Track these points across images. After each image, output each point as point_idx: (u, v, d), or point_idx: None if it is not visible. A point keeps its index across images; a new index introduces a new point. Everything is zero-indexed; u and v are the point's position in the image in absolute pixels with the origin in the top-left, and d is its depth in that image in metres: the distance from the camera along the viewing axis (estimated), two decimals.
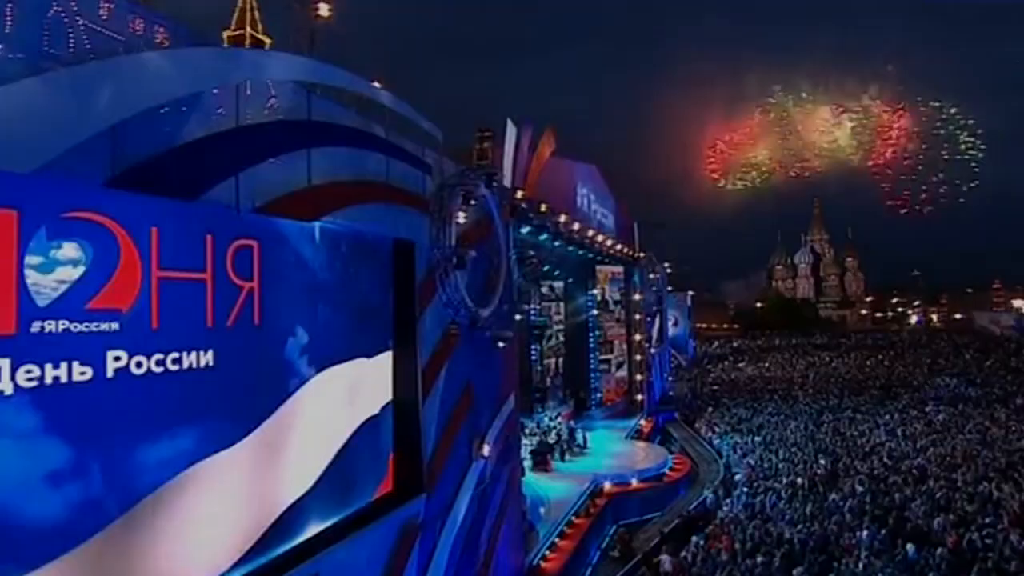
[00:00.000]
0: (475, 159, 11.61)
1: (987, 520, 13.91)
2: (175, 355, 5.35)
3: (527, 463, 17.03)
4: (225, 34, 32.12)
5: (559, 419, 22.19)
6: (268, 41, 32.28)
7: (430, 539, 8.73)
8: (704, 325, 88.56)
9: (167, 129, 4.93)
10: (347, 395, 7.72)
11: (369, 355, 8.20)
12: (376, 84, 9.44)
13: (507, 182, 12.64)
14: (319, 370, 7.23)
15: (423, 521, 8.51)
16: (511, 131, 12.77)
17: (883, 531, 13.48)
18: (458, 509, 9.54)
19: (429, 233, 9.10)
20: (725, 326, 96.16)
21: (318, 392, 7.15)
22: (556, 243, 17.59)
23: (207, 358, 5.67)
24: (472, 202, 9.47)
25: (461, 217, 9.51)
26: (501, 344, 10.34)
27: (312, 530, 6.76)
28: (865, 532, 13.45)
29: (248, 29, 31.87)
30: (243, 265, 6.06)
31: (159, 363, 5.20)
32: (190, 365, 5.49)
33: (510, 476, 11.89)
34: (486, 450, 10.11)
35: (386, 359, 8.50)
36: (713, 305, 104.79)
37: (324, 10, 11.09)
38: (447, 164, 9.80)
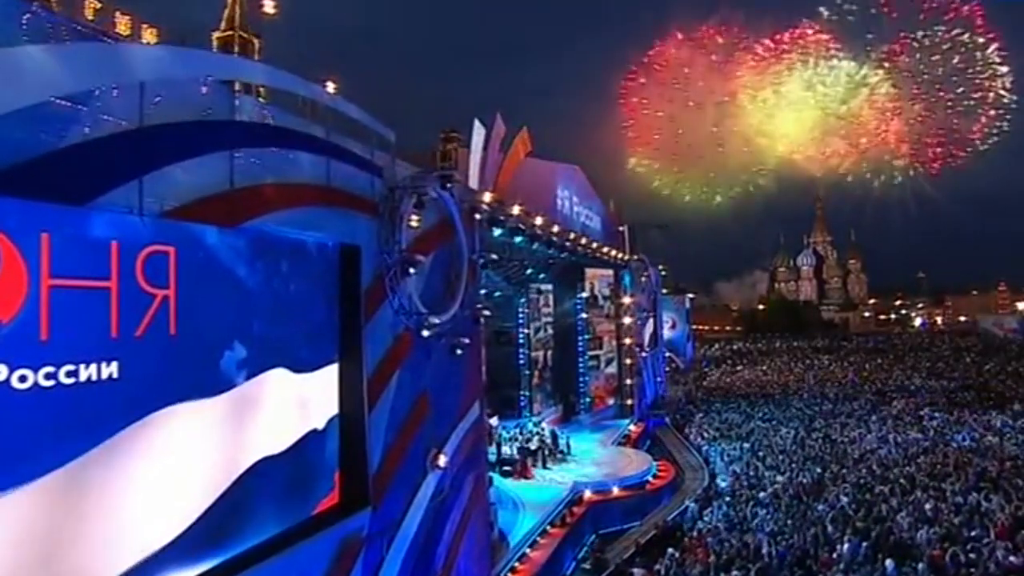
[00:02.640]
0: (438, 161, 11.32)
1: (973, 533, 13.46)
2: (70, 367, 5.07)
3: (497, 471, 16.68)
4: (214, 35, 32.08)
5: (543, 424, 21.85)
6: (257, 41, 32.19)
7: (376, 554, 8.42)
8: (706, 327, 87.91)
9: (49, 129, 4.65)
10: (286, 405, 7.44)
11: (311, 363, 7.92)
12: (329, 85, 9.17)
13: (474, 184, 12.34)
14: (250, 380, 6.96)
15: (367, 536, 8.20)
16: (479, 132, 12.46)
17: (865, 544, 13.05)
18: (410, 522, 9.22)
19: (378, 237, 8.81)
20: (728, 328, 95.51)
21: (249, 402, 6.87)
22: (535, 246, 17.28)
23: (110, 369, 5.40)
24: (425, 205, 9.16)
25: (414, 220, 9.21)
26: (459, 351, 10.02)
27: (234, 549, 6.47)
28: (847, 545, 13.03)
29: (237, 30, 31.78)
30: (156, 273, 5.79)
31: (49, 376, 4.93)
32: (88, 377, 5.22)
33: (474, 485, 11.58)
34: (442, 461, 9.79)
35: (331, 368, 8.21)
36: (716, 307, 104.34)
37: (269, 7, 10.85)
38: (401, 166, 9.51)
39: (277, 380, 7.27)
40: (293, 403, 7.54)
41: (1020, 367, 40.31)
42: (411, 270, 8.74)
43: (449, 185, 9.68)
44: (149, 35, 23.42)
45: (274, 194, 6.94)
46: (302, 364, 7.70)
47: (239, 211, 6.50)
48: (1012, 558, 11.98)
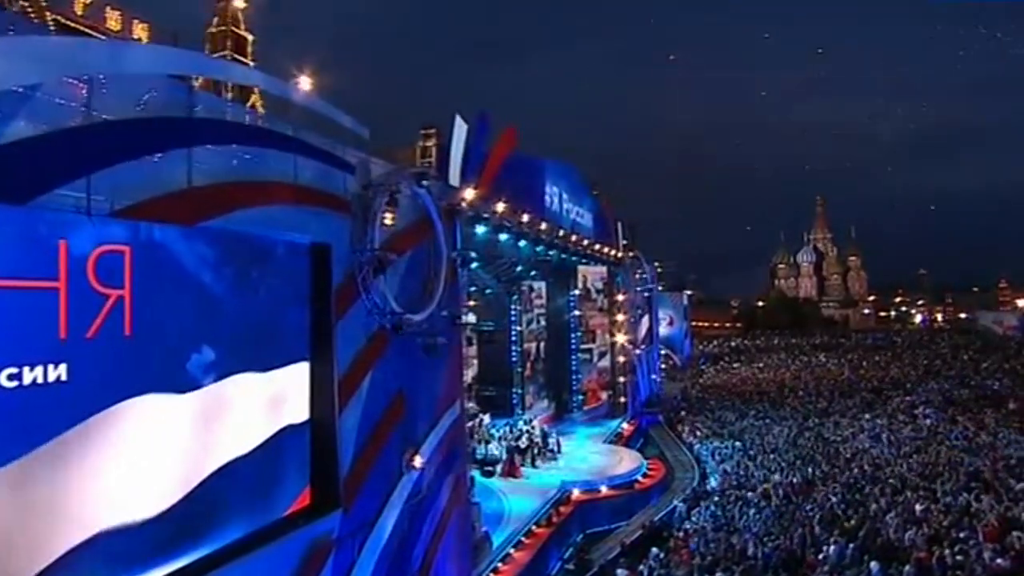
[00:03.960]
0: (418, 157, 11.15)
1: (962, 534, 13.32)
2: (12, 370, 4.95)
3: (479, 471, 16.58)
4: (208, 31, 31.88)
5: (533, 423, 21.75)
6: (250, 38, 31.99)
7: (347, 556, 8.31)
8: (706, 324, 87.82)
9: None
10: (254, 405, 7.32)
11: (279, 364, 7.78)
12: (304, 80, 9.01)
13: (455, 180, 12.18)
14: (215, 380, 6.84)
15: (337, 538, 8.10)
16: (460, 128, 12.28)
17: (851, 545, 12.92)
18: (384, 523, 9.11)
19: (351, 235, 8.66)
20: (727, 325, 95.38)
21: (212, 403, 6.75)
22: (522, 243, 17.11)
23: (58, 372, 5.28)
24: (399, 202, 9.01)
25: (388, 218, 9.06)
26: (437, 351, 9.89)
27: (196, 552, 6.36)
28: (833, 547, 12.91)
29: (230, 26, 31.58)
30: (110, 273, 5.66)
31: None
32: (34, 380, 5.10)
33: (454, 485, 11.46)
34: (418, 461, 9.67)
35: (300, 369, 8.08)
36: (715, 304, 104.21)
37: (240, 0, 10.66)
38: (375, 163, 9.36)
39: (244, 381, 7.15)
40: (262, 403, 7.42)
41: (1018, 365, 39.99)
42: (384, 268, 8.59)
43: (426, 182, 9.53)
44: (140, 30, 23.13)
45: (237, 192, 6.80)
46: (270, 364, 7.58)
47: (199, 209, 6.36)
48: (999, 560, 11.85)
